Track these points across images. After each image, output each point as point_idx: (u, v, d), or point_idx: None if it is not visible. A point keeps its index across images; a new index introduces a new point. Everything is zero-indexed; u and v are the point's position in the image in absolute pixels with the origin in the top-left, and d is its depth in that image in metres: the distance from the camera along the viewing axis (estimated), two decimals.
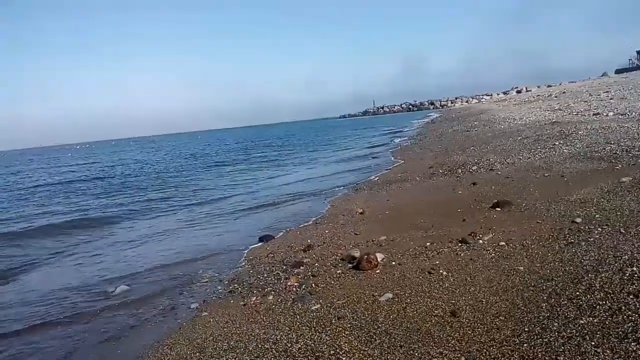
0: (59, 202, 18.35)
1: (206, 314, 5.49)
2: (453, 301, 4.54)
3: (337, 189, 13.94)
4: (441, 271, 5.36)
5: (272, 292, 5.76)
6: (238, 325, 4.91)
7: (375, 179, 14.31)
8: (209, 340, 4.68)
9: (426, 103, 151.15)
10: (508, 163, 12.11)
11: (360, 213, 9.48)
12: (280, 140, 58.12)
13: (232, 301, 5.76)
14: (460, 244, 6.23)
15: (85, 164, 47.54)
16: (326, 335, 4.31)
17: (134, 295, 6.67)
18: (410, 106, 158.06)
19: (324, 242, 7.72)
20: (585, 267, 4.67)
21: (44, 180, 30.41)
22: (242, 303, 5.60)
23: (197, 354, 4.44)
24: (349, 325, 4.42)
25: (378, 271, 5.77)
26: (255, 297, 5.70)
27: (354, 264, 6.12)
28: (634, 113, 16.92)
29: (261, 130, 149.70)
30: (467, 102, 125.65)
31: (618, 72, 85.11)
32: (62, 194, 21.05)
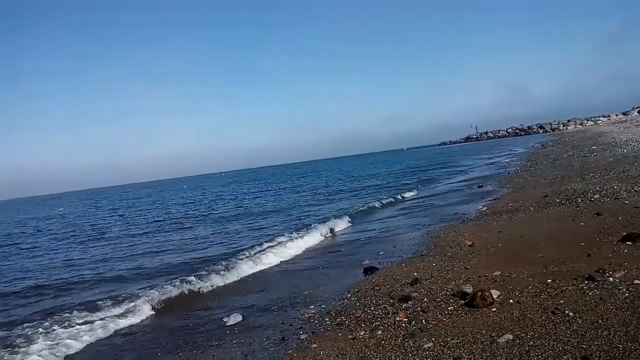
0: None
1: (315, 345, 5.51)
2: (584, 346, 4.12)
3: (442, 219, 13.50)
4: (567, 312, 4.91)
5: (381, 327, 5.65)
6: None
7: (484, 209, 13.66)
8: None
9: (535, 127, 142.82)
10: (636, 191, 10.96)
11: (470, 245, 9.06)
12: (380, 170, 57.80)
13: (340, 334, 5.73)
14: (587, 282, 5.68)
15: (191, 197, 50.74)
16: None
17: (247, 324, 6.92)
18: (517, 130, 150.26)
19: (431, 276, 7.47)
20: None
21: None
22: (350, 337, 5.55)
23: None
24: None
25: (494, 309, 5.43)
26: (363, 332, 5.62)
27: (467, 300, 5.83)
28: None
29: (355, 160, 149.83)
30: (581, 124, 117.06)
31: None
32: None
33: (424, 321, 5.53)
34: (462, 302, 5.90)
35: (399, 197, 22.50)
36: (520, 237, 8.95)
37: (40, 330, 7.43)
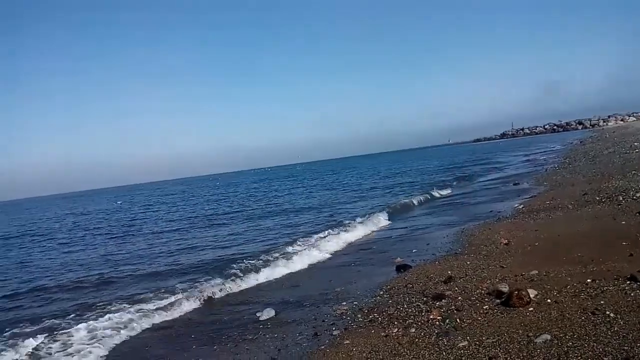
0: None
1: (348, 342, 5.52)
2: (625, 347, 4.00)
3: (477, 217, 13.29)
4: (608, 312, 4.76)
5: (414, 325, 5.61)
6: (381, 357, 4.85)
7: (520, 207, 13.36)
8: None
9: (573, 123, 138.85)
10: None
11: (505, 244, 8.89)
12: (413, 167, 57.21)
13: (373, 331, 5.73)
14: (629, 282, 5.50)
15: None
16: None
17: (280, 319, 7.00)
18: (555, 127, 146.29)
19: (465, 274, 7.36)
20: None
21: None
22: (383, 334, 5.54)
23: None
24: None
25: (531, 309, 5.32)
26: (396, 329, 5.60)
27: (503, 299, 5.72)
28: None
29: (384, 157, 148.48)
30: (622, 120, 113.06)
31: None
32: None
33: (458, 320, 5.46)
34: (498, 301, 5.80)
35: (433, 194, 22.21)
36: (558, 236, 8.72)
37: (82, 321, 7.71)
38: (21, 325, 7.90)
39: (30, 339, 7.03)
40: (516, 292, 5.54)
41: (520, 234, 9.62)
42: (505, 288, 5.97)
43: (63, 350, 6.64)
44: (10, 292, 11.22)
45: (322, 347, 5.58)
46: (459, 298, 6.25)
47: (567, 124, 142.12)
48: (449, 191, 23.42)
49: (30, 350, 6.71)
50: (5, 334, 7.48)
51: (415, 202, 20.26)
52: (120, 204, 54.30)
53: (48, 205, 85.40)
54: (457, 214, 14.82)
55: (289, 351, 5.70)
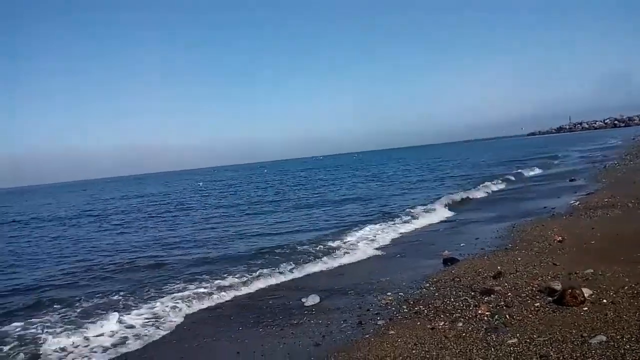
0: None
1: (393, 332, 5.51)
2: None
3: (530, 213, 12.87)
4: None
5: (461, 319, 5.53)
6: (427, 350, 4.82)
7: (575, 204, 12.83)
8: None
9: (636, 118, 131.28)
10: None
11: (559, 241, 8.58)
12: (460, 160, 55.95)
13: (418, 323, 5.69)
14: None
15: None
16: None
17: (324, 306, 7.06)
18: (616, 122, 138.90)
19: (516, 270, 7.18)
20: None
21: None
22: (429, 326, 5.50)
23: None
24: None
25: (585, 308, 5.13)
26: (443, 322, 5.54)
27: (555, 297, 5.55)
28: None
29: (428, 150, 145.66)
30: None
31: None
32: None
33: (507, 316, 5.34)
34: (550, 299, 5.63)
35: (485, 188, 21.62)
36: (617, 235, 8.33)
37: (139, 301, 8.12)
38: (78, 303, 8.29)
39: (94, 317, 7.35)
40: (570, 291, 5.36)
41: (575, 231, 9.25)
42: (558, 286, 5.78)
43: (123, 326, 6.98)
44: (69, 270, 11.79)
45: (367, 336, 5.59)
46: (509, 294, 6.11)
47: (629, 118, 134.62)
48: (502, 186, 22.75)
49: (97, 329, 6.98)
50: (66, 312, 7.86)
51: (466, 196, 19.75)
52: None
53: (103, 187, 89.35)
54: (509, 209, 14.41)
55: (333, 338, 5.75)
